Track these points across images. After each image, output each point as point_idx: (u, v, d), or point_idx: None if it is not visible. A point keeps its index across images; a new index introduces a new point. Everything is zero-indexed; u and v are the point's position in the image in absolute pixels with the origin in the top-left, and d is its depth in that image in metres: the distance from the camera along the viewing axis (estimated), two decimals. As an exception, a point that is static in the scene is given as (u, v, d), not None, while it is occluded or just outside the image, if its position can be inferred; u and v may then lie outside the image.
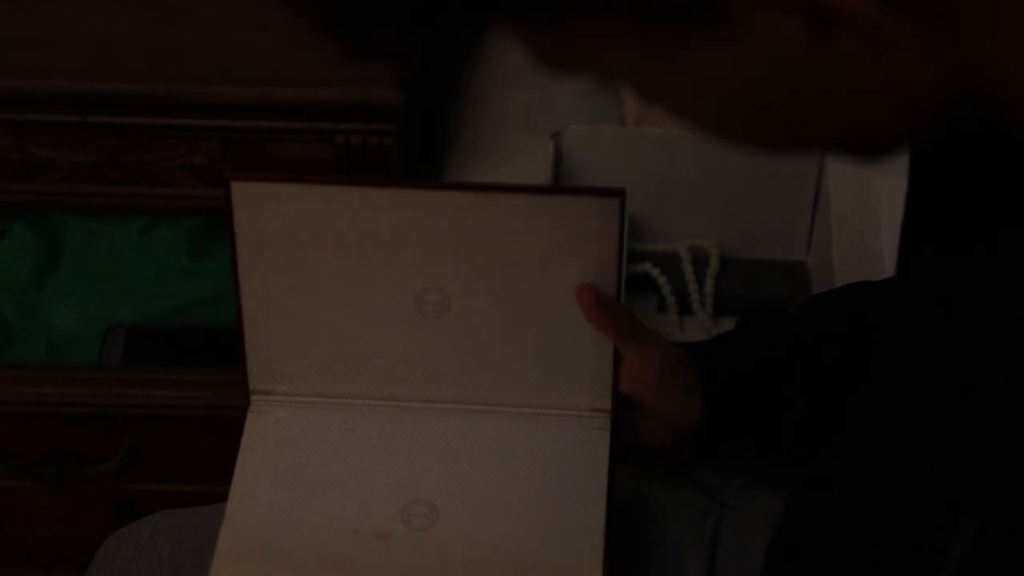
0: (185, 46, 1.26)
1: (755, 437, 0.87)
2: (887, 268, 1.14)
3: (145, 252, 1.38)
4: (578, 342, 0.86)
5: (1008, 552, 0.56)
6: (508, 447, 0.88)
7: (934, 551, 0.59)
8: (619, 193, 0.80)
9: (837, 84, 0.50)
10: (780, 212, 1.29)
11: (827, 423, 0.77)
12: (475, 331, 0.87)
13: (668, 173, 1.18)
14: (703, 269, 1.31)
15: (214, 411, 1.17)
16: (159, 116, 1.24)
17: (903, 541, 0.63)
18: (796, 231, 1.31)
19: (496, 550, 0.84)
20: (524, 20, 0.49)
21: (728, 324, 1.17)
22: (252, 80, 1.23)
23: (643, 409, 0.85)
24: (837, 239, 1.19)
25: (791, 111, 0.51)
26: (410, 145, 1.40)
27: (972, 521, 0.57)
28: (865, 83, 0.50)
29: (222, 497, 1.28)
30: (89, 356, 1.33)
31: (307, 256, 0.86)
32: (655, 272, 1.30)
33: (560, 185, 1.20)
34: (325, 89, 1.22)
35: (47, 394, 1.18)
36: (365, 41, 0.50)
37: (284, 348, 0.90)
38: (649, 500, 0.90)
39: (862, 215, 1.22)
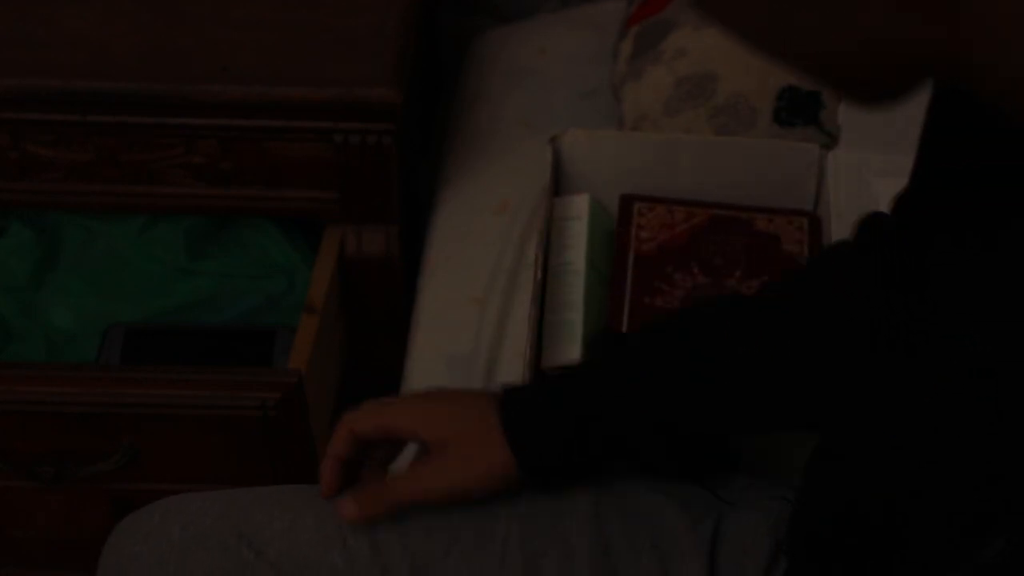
0: (184, 45, 1.26)
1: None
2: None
3: (144, 251, 1.37)
4: None
5: None
6: None
7: (960, 558, 0.59)
8: None
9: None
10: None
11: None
12: None
13: (666, 177, 1.18)
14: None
15: (213, 411, 1.17)
16: (158, 115, 1.24)
17: (930, 546, 0.63)
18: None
19: None
20: None
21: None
22: (251, 79, 1.23)
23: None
24: (837, 239, 1.19)
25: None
26: (409, 144, 1.40)
27: (1001, 537, 0.57)
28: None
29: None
30: (87, 355, 1.32)
31: None
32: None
33: None
34: (324, 88, 1.22)
35: (45, 393, 1.18)
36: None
37: None
38: (649, 496, 0.89)
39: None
